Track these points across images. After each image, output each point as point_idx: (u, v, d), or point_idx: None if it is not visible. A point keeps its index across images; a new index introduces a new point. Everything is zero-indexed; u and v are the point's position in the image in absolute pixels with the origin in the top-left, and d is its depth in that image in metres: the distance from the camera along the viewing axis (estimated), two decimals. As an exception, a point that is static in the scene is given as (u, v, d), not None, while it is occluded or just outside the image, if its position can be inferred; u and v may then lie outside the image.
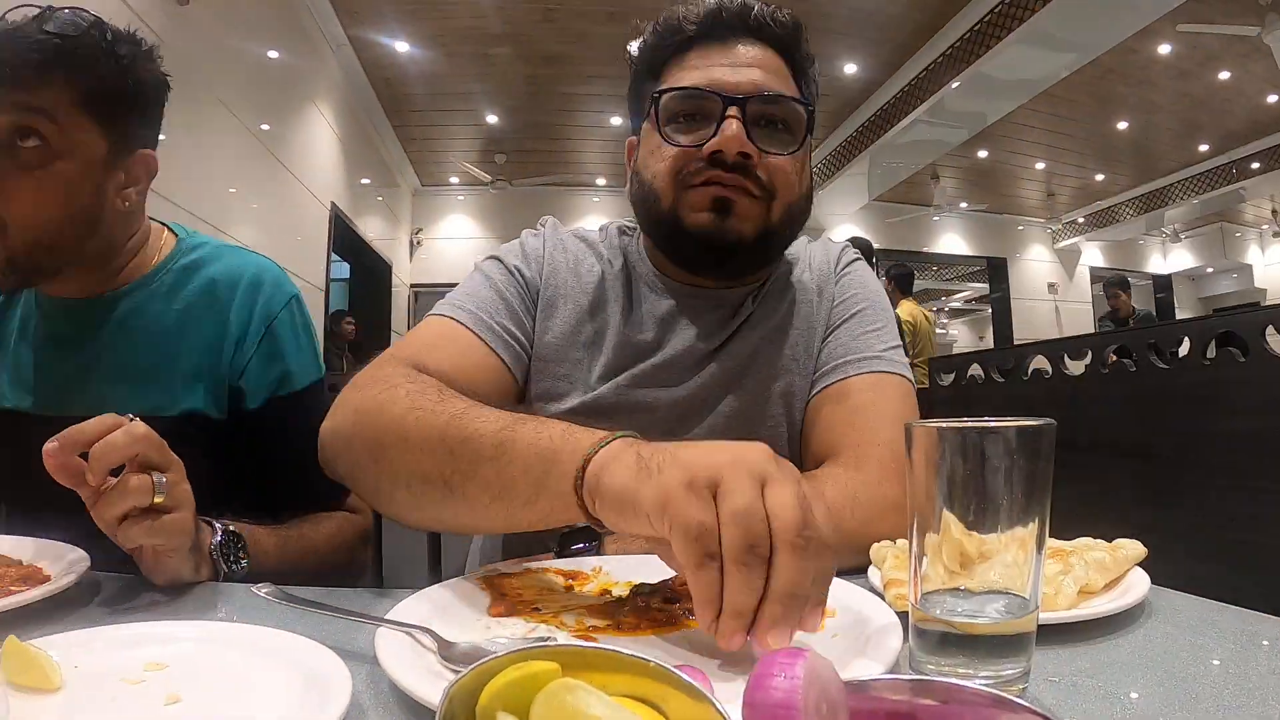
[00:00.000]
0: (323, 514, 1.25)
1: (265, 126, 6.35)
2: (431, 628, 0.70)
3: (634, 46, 1.26)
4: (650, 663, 0.43)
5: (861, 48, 8.21)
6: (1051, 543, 0.80)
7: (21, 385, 1.22)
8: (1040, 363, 2.67)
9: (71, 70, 1.08)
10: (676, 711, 0.42)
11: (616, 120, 9.49)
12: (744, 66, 1.16)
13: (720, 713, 0.39)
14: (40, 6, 1.10)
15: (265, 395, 1.24)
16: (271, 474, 1.24)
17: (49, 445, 0.79)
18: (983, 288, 15.33)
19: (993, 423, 0.57)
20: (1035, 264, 13.95)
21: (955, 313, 19.35)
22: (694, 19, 1.19)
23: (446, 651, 0.66)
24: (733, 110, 1.11)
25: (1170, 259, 15.18)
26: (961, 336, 18.86)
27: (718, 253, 1.16)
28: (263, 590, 0.81)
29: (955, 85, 7.77)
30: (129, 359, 1.21)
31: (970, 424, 0.58)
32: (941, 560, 0.60)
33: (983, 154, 10.97)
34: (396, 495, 0.95)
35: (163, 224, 1.32)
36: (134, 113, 1.19)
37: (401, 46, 8.13)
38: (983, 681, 0.58)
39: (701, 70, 1.16)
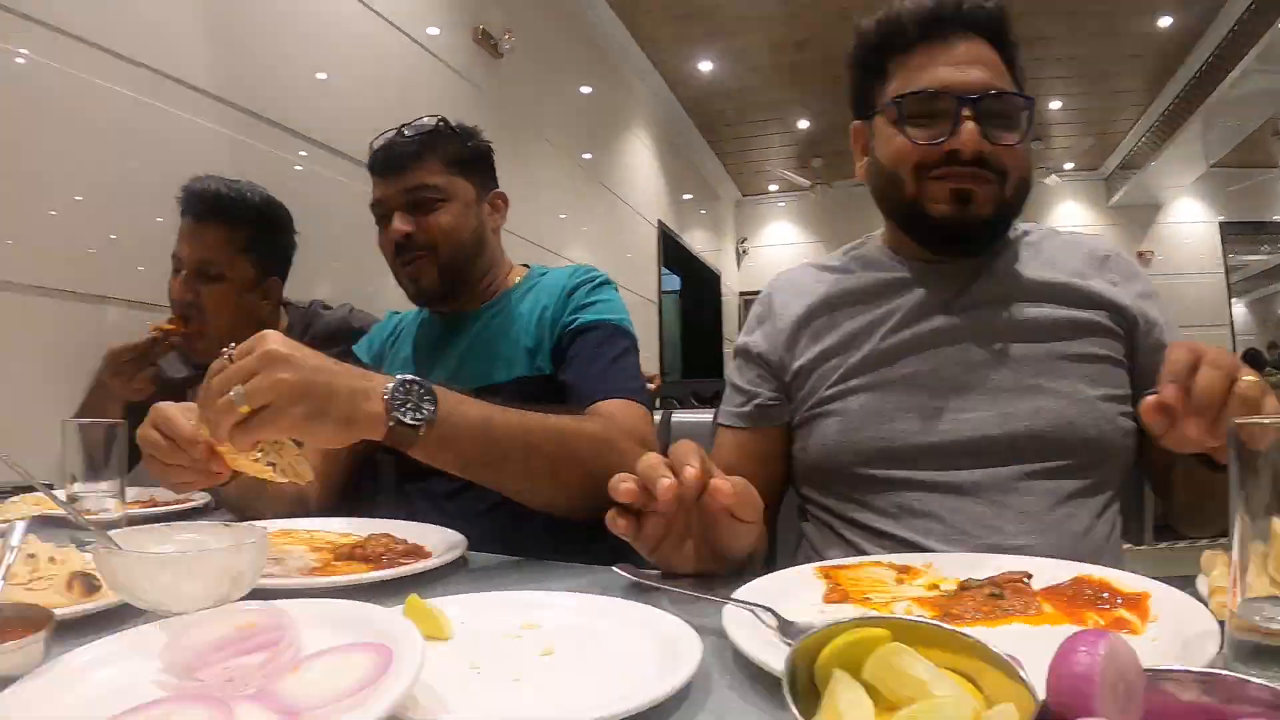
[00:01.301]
0: (582, 415, 1.36)
1: (587, 156, 6.83)
2: (773, 608, 0.77)
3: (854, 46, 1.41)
4: (970, 638, 0.47)
5: (1173, -8, 7.10)
6: None
7: None
8: None
9: (438, 146, 1.68)
10: (991, 687, 0.46)
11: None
12: (966, 65, 1.26)
13: (1030, 690, 0.43)
14: (393, 129, 1.70)
15: (559, 333, 1.59)
16: (561, 384, 1.53)
17: None
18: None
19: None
20: None
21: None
22: (915, 19, 1.30)
23: (786, 629, 0.73)
24: (966, 110, 1.22)
25: None
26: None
27: (960, 238, 1.30)
28: (623, 570, 0.96)
29: (1286, 21, 6.44)
30: (484, 349, 1.66)
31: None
32: (1268, 569, 0.57)
33: (1330, 100, 9.04)
34: None
35: (524, 265, 1.83)
36: (481, 166, 1.76)
37: (705, 66, 8.32)
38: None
39: (929, 71, 1.27)
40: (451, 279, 1.69)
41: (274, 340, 0.97)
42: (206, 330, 2.05)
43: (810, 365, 1.36)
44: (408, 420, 1.03)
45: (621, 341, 1.58)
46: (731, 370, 1.50)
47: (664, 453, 0.98)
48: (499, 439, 1.15)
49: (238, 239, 2.06)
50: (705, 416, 1.90)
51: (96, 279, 2.66)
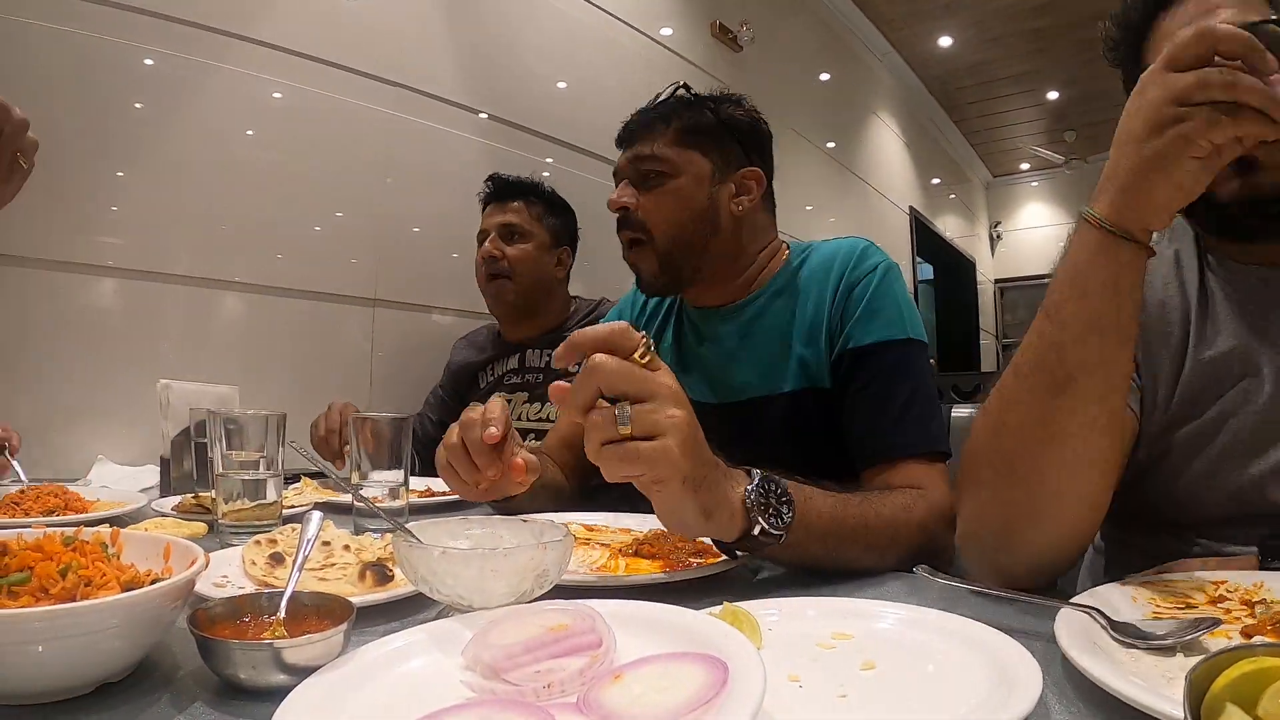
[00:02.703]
0: (895, 490, 1.20)
1: (831, 144, 6.70)
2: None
3: None
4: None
5: None
6: None
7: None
8: None
9: (674, 115, 1.50)
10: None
11: (1186, 71, 8.20)
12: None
13: None
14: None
15: (838, 351, 1.38)
16: (846, 427, 1.35)
17: (559, 350, 0.83)
18: None
19: None
20: None
21: None
22: None
23: (1118, 630, 0.70)
24: None
25: None
26: None
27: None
28: (926, 572, 0.88)
29: None
30: (754, 351, 1.48)
31: None
32: None
33: None
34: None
35: (785, 244, 1.60)
36: (724, 138, 1.52)
37: (944, 41, 7.98)
38: None
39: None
40: (673, 267, 1.50)
41: (674, 382, 0.84)
42: (513, 280, 2.44)
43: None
44: (771, 530, 0.92)
45: (915, 363, 1.36)
46: None
47: None
48: (838, 542, 1.03)
49: (534, 210, 2.50)
50: (971, 411, 1.75)
51: (362, 284, 2.87)
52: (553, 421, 2.22)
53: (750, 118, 1.57)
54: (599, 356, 0.80)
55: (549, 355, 2.40)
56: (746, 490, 0.91)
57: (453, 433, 1.13)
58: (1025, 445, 0.89)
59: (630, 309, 1.75)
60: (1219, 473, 1.05)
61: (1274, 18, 0.87)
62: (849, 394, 1.35)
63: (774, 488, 0.93)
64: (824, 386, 1.39)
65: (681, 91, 1.53)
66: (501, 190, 2.54)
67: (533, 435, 2.27)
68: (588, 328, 0.82)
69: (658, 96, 1.56)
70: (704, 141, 1.50)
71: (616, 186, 1.54)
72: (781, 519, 0.93)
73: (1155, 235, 1.11)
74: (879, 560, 1.07)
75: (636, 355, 0.81)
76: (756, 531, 0.91)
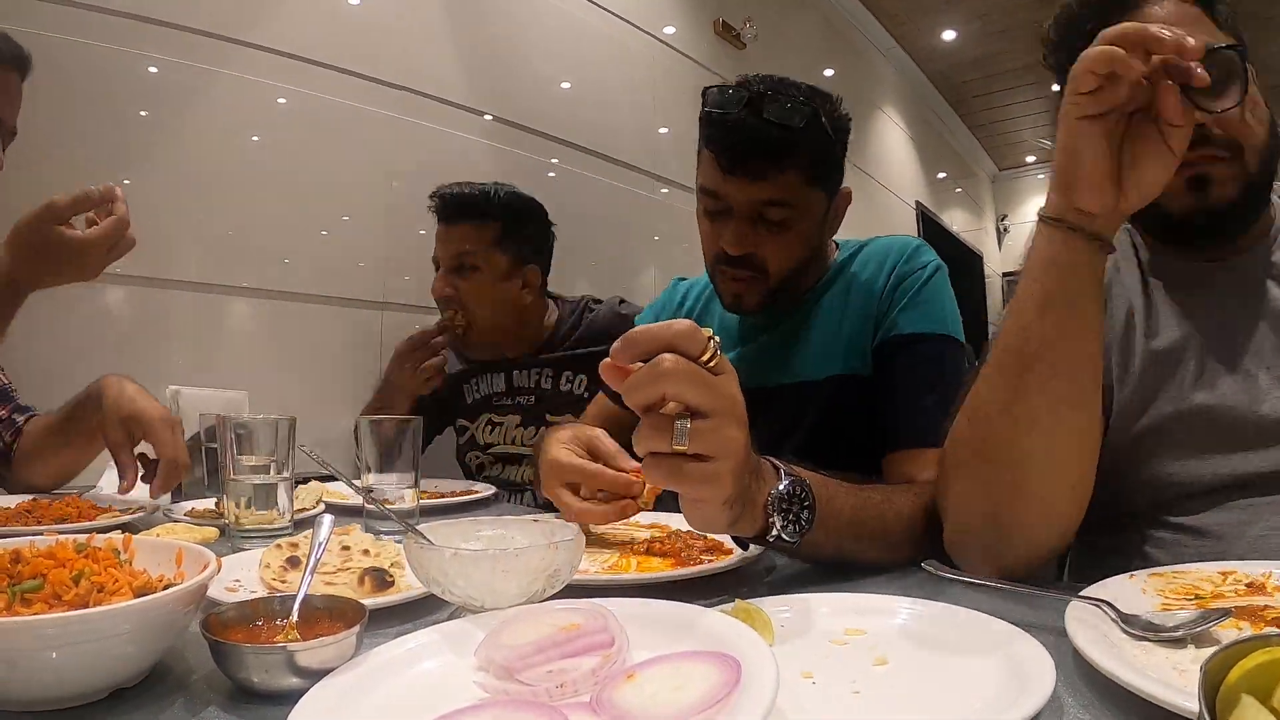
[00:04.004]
0: (916, 485, 1.17)
1: None
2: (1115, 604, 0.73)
3: None
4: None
5: None
6: None
7: None
8: None
9: (805, 148, 1.37)
10: None
11: (1186, 65, 8.15)
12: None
13: None
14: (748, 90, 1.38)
15: (880, 339, 1.40)
16: (878, 411, 1.36)
17: (615, 345, 0.76)
18: None
19: None
20: None
21: None
22: None
23: (1128, 622, 0.70)
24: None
25: None
26: None
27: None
28: (933, 567, 0.89)
29: None
30: (799, 342, 1.49)
31: None
32: None
33: None
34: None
35: (834, 242, 1.60)
36: (838, 165, 1.48)
37: (948, 35, 7.95)
38: None
39: None
40: (775, 299, 1.48)
41: (738, 391, 0.80)
42: (471, 321, 2.17)
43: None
44: (786, 537, 0.90)
45: (953, 360, 1.37)
46: None
47: None
48: (855, 542, 1.02)
49: (487, 234, 2.16)
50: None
51: (369, 288, 2.89)
52: None
53: (848, 123, 1.50)
54: (669, 359, 0.74)
55: (538, 374, 2.23)
56: (771, 494, 0.89)
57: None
58: (1001, 426, 0.93)
59: (668, 309, 1.74)
60: (1179, 458, 1.09)
61: (1227, 45, 0.88)
62: (886, 379, 1.38)
63: (798, 491, 0.91)
64: (863, 374, 1.41)
65: (814, 110, 1.37)
66: (448, 210, 2.19)
67: (526, 462, 2.15)
68: (652, 324, 0.76)
69: (772, 103, 1.35)
70: (826, 175, 1.45)
71: (714, 212, 1.45)
72: (800, 524, 0.90)
73: None
74: (895, 555, 1.06)
75: (704, 358, 0.76)
76: (771, 537, 0.89)
